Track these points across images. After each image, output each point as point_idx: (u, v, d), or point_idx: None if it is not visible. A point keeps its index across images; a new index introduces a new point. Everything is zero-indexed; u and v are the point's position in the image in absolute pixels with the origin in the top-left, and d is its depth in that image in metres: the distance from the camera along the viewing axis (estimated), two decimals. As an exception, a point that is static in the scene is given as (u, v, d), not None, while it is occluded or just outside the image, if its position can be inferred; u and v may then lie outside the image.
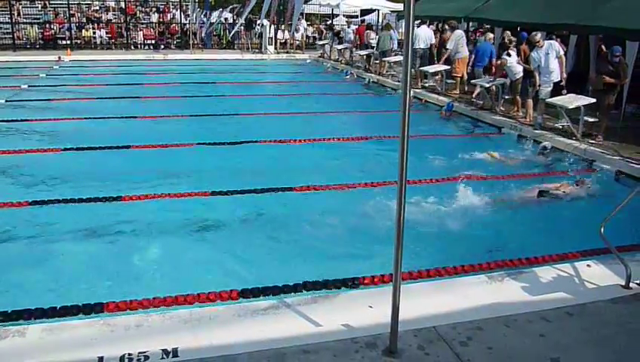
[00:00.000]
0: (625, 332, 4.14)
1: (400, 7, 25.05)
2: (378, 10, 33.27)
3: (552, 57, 11.49)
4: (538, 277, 5.06)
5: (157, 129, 11.77)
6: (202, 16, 30.69)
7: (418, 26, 17.39)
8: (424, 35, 17.19)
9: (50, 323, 4.22)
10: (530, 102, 12.14)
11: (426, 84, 17.03)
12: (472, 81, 14.89)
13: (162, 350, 3.71)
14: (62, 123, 12.11)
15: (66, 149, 9.78)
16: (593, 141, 10.16)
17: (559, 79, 11.60)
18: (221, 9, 31.56)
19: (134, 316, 4.32)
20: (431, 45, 17.34)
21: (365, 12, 35.82)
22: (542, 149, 10.32)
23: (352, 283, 5.12)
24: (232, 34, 29.86)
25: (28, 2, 31.92)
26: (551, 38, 13.02)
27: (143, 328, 4.05)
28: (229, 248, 6.25)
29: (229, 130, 11.59)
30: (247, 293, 4.88)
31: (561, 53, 11.75)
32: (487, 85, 13.67)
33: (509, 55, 12.99)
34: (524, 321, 4.21)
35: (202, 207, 7.33)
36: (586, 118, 10.50)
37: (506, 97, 13.55)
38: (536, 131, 11.12)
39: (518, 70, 12.85)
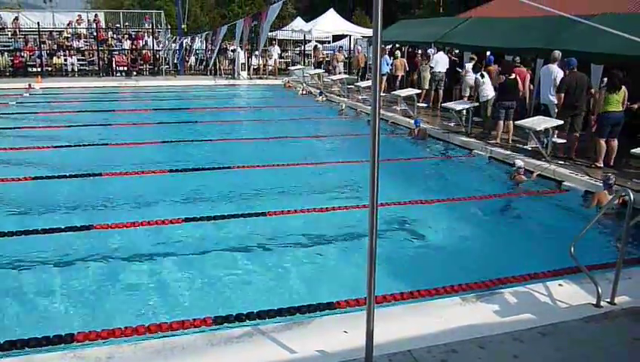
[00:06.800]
0: (596, 350, 4.18)
1: (371, 32, 25.47)
2: (350, 36, 33.77)
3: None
4: (511, 297, 5.09)
5: (128, 156, 11.66)
6: (173, 42, 30.69)
7: (436, 53, 17.99)
8: (442, 61, 17.61)
9: (18, 356, 4.12)
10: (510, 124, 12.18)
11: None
12: (443, 105, 15.05)
13: (134, 381, 3.64)
14: (33, 151, 11.95)
15: (36, 178, 9.63)
16: (562, 161, 10.31)
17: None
18: (194, 35, 31.57)
19: (105, 347, 4.23)
20: (447, 70, 17.84)
21: (337, 37, 36.30)
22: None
23: (327, 307, 5.09)
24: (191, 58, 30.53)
25: (-3, 30, 31.59)
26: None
27: (114, 359, 3.96)
28: (201, 274, 6.19)
29: (201, 157, 11.58)
30: (220, 320, 4.83)
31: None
32: (459, 108, 13.89)
33: (482, 76, 13.20)
34: (498, 342, 4.23)
35: (175, 233, 7.26)
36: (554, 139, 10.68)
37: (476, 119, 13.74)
38: (506, 152, 11.23)
39: (489, 92, 13.08)
